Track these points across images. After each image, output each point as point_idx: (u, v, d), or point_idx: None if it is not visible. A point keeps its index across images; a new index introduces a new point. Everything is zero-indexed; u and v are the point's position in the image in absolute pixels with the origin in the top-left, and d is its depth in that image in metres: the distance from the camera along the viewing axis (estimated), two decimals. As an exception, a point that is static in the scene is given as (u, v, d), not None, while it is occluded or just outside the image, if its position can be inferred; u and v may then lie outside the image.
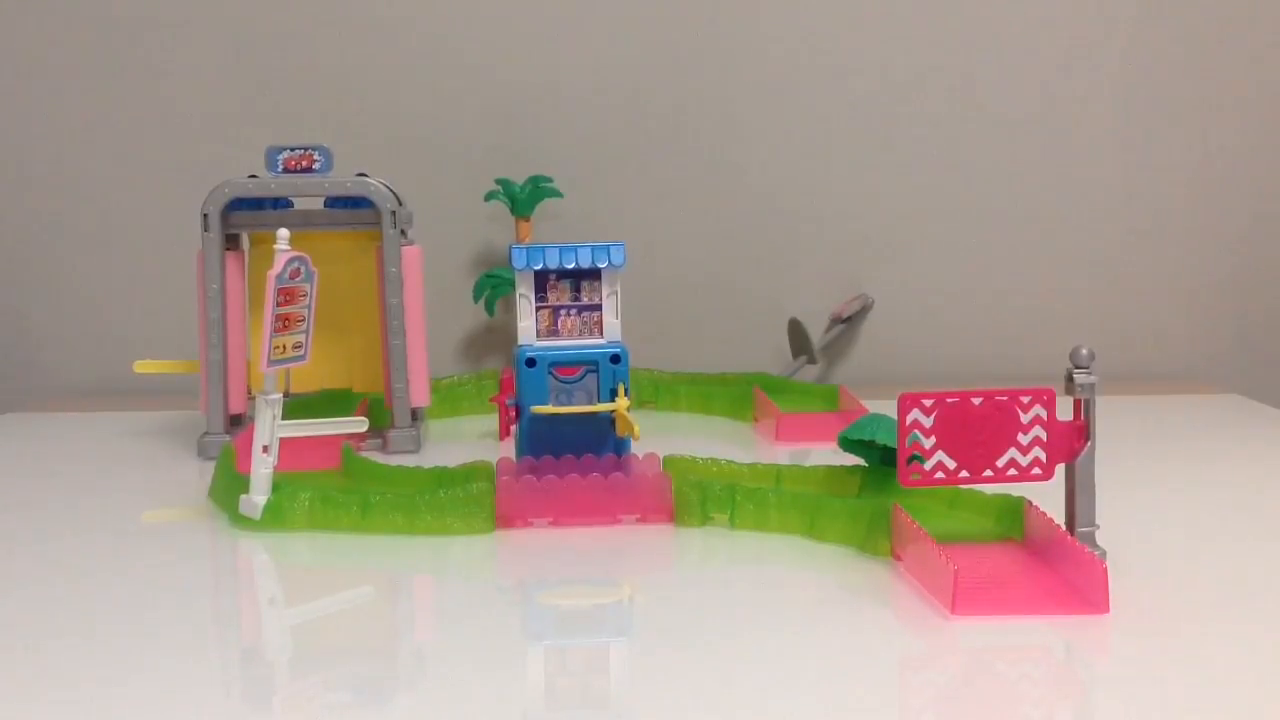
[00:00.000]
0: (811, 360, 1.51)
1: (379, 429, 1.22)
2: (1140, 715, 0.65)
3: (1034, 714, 0.69)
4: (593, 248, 1.01)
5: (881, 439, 0.96)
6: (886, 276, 1.61)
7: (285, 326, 0.98)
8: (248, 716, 0.69)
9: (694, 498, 0.95)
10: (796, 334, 1.52)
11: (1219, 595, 0.82)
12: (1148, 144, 1.62)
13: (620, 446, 1.01)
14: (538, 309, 1.01)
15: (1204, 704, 0.66)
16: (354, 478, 1.07)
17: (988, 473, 0.85)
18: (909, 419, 0.83)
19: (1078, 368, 0.85)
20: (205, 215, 1.21)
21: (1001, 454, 0.84)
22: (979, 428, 0.84)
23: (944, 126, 1.60)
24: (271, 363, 0.96)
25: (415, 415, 1.25)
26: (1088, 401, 0.85)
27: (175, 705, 0.67)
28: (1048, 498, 0.87)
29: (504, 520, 0.96)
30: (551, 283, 1.02)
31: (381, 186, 1.22)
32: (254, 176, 1.23)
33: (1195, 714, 0.65)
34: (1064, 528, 0.84)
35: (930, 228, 1.62)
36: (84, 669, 0.72)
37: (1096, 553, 0.82)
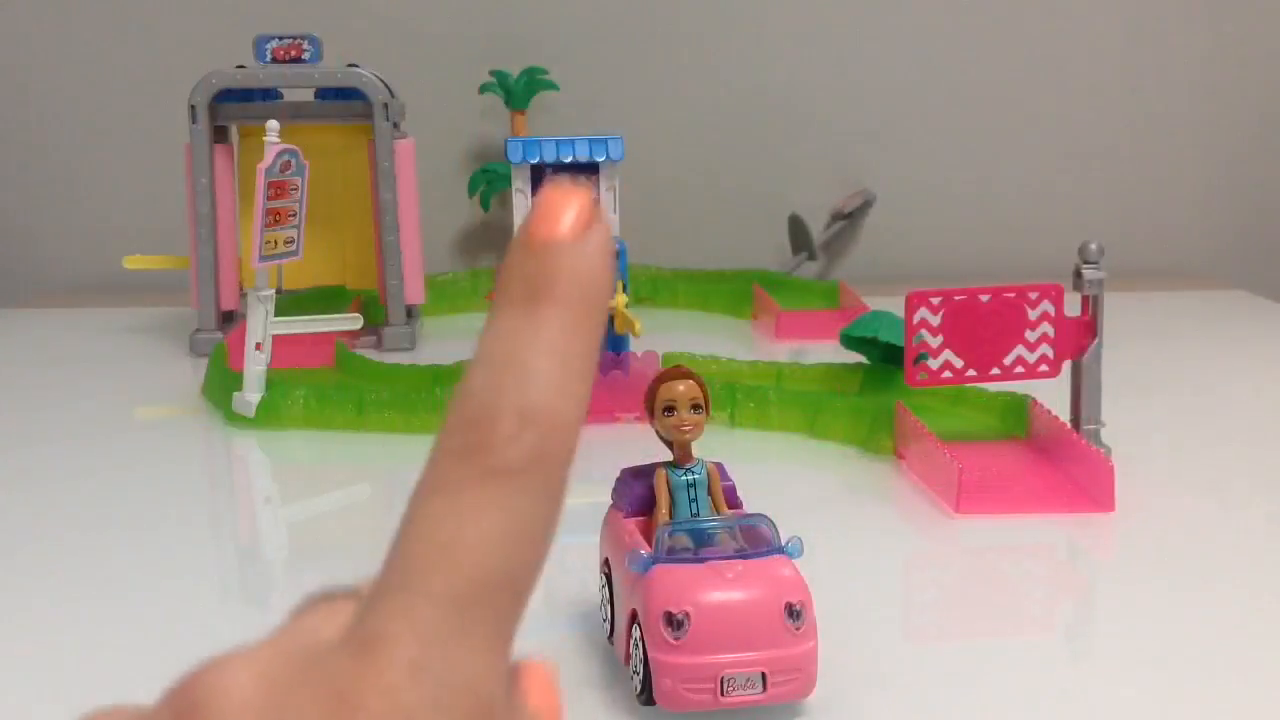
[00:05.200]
0: (812, 256, 1.50)
1: (373, 326, 1.20)
2: (1142, 613, 0.65)
3: (1037, 612, 0.69)
4: (590, 141, 0.99)
5: (884, 336, 0.94)
6: (889, 171, 1.58)
7: (276, 221, 0.96)
8: (246, 615, 0.68)
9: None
10: (797, 230, 1.50)
11: (1224, 493, 0.82)
12: (1156, 37, 1.58)
13: (619, 344, 1.00)
14: (534, 203, 0.99)
15: (1207, 602, 0.66)
16: (349, 375, 1.05)
17: (995, 370, 0.83)
18: (916, 317, 0.82)
19: (1087, 263, 0.83)
20: (192, 107, 1.18)
21: (1009, 351, 0.83)
22: (987, 325, 0.82)
23: (948, 18, 1.57)
24: (263, 258, 0.95)
25: (410, 312, 1.23)
26: (1096, 298, 0.83)
27: (174, 604, 0.67)
28: (1049, 395, 0.86)
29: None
30: (548, 177, 0.99)
31: (373, 78, 1.20)
32: (242, 67, 1.20)
33: (1198, 612, 0.65)
34: (1069, 425, 0.83)
35: (934, 121, 1.59)
36: (79, 569, 0.72)
37: (1102, 450, 0.81)
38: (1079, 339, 0.83)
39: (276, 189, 0.95)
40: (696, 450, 0.57)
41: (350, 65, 1.20)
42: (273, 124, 0.95)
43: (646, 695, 0.53)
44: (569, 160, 0.98)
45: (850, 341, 0.98)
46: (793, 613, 0.52)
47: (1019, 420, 0.88)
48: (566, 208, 0.23)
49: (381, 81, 1.20)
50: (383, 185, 1.20)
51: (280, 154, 0.95)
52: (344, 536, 0.79)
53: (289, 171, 0.96)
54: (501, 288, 0.23)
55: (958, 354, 0.83)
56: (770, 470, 0.87)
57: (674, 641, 0.51)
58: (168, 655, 0.60)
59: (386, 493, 0.90)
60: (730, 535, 0.54)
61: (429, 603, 0.21)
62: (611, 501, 0.59)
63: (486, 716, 0.21)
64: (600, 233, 0.23)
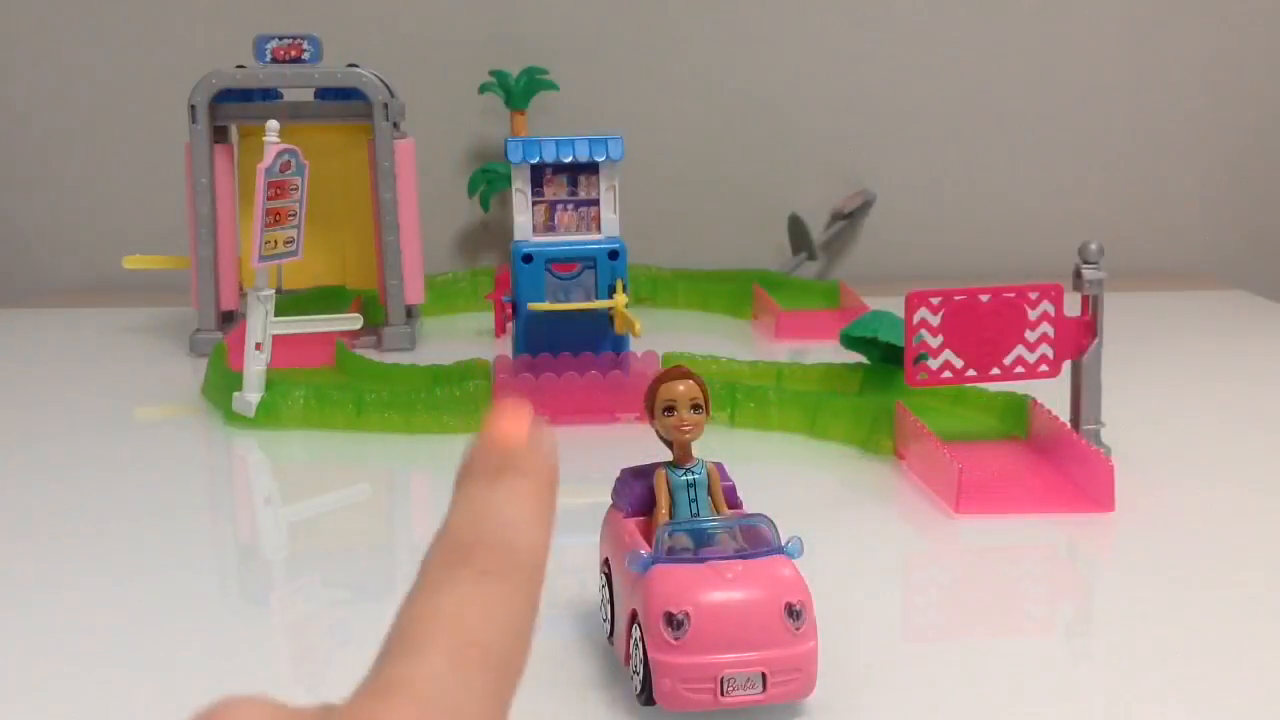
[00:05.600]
0: (812, 257, 1.50)
1: (373, 326, 1.20)
2: (1142, 613, 0.65)
3: (1037, 612, 0.69)
4: (590, 141, 0.99)
5: (884, 336, 0.94)
6: (889, 171, 1.58)
7: (276, 221, 0.96)
8: (246, 614, 0.68)
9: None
10: (797, 230, 1.50)
11: (1224, 493, 0.82)
12: (1156, 37, 1.58)
13: (619, 344, 1.00)
14: (534, 204, 0.99)
15: (1207, 601, 0.66)
16: (349, 375, 1.05)
17: (995, 370, 0.83)
18: (916, 317, 0.82)
19: (1087, 263, 0.83)
20: (192, 107, 1.18)
21: (1009, 351, 0.83)
22: (986, 325, 0.82)
23: (949, 19, 1.57)
24: (263, 258, 0.95)
25: (410, 312, 1.23)
26: (1096, 298, 0.83)
27: (174, 604, 0.67)
28: (1049, 395, 0.86)
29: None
30: (548, 177, 0.99)
31: (373, 78, 1.20)
32: (242, 67, 1.20)
33: (1198, 611, 0.65)
34: (1069, 425, 0.83)
35: (935, 121, 1.59)
36: (79, 569, 0.71)
37: (1102, 450, 0.81)
38: (1079, 339, 0.83)
39: (276, 189, 0.95)
40: (696, 450, 0.57)
41: (350, 65, 1.20)
42: (273, 124, 0.95)
43: (646, 695, 0.53)
44: (569, 160, 0.98)
45: (850, 341, 0.98)
46: (793, 613, 0.52)
47: (1019, 420, 0.88)
48: (518, 419, 0.28)
49: (381, 81, 1.20)
50: (383, 185, 1.20)
51: (280, 154, 0.95)
52: (344, 536, 0.79)
53: (289, 171, 0.96)
54: (464, 471, 0.28)
55: (958, 354, 0.83)
56: (770, 470, 0.87)
57: (674, 641, 0.51)
58: (168, 655, 0.60)
59: (387, 493, 0.90)
60: (730, 535, 0.54)
61: (436, 657, 0.24)
62: (611, 501, 0.59)
63: None
64: (548, 434, 0.28)
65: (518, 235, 0.99)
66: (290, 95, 1.26)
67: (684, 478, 0.57)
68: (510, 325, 1.00)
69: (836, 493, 0.85)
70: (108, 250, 1.38)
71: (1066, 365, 0.84)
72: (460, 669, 0.24)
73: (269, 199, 0.95)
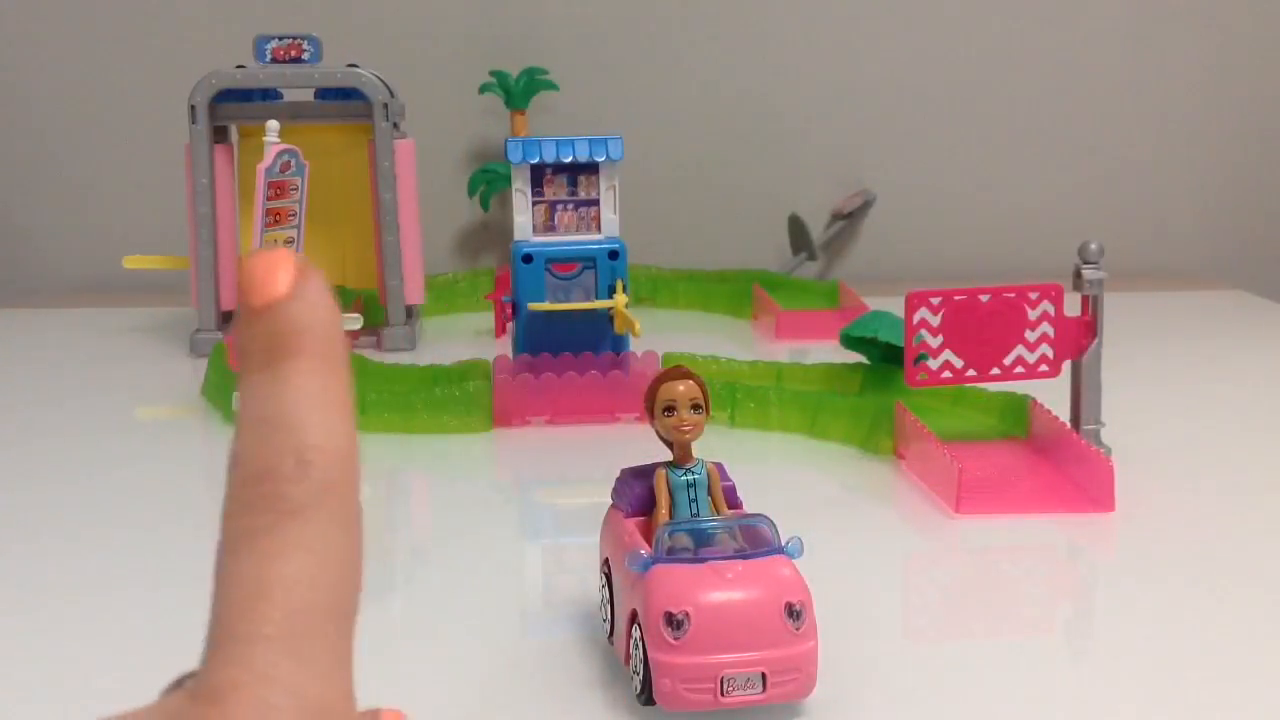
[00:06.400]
0: (812, 257, 1.50)
1: (373, 326, 1.20)
2: (1142, 613, 0.65)
3: (1037, 612, 0.69)
4: (590, 141, 0.99)
5: (884, 336, 0.94)
6: (889, 171, 1.58)
7: (276, 221, 0.95)
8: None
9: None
10: (797, 230, 1.49)
11: (1224, 493, 0.82)
12: (1157, 37, 1.58)
13: (618, 344, 1.00)
14: (534, 204, 0.99)
15: (1207, 602, 0.66)
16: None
17: (995, 371, 0.83)
18: (916, 318, 0.82)
19: (1086, 263, 0.83)
20: (192, 107, 1.18)
21: (1009, 351, 0.83)
22: (986, 325, 0.82)
23: (948, 19, 1.56)
24: (263, 258, 0.95)
25: (410, 312, 1.23)
26: (1096, 298, 0.83)
27: (173, 604, 0.67)
28: (1049, 395, 0.86)
29: (501, 418, 0.95)
30: (548, 177, 0.99)
31: (373, 78, 1.20)
32: (241, 67, 1.20)
33: (1198, 612, 0.65)
34: (1069, 425, 0.83)
35: (934, 121, 1.59)
36: (78, 569, 0.71)
37: (1102, 450, 0.81)
38: (1079, 339, 0.83)
39: (276, 189, 0.95)
40: (696, 450, 0.57)
41: (350, 65, 1.20)
42: (273, 124, 0.95)
43: (646, 695, 0.53)
44: (569, 160, 0.98)
45: (850, 341, 0.98)
46: (793, 613, 0.52)
47: (1019, 420, 0.88)
48: (274, 269, 0.24)
49: (381, 81, 1.20)
50: (383, 185, 1.20)
51: (280, 154, 0.94)
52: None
53: (289, 171, 0.96)
54: (241, 358, 0.24)
55: (958, 354, 0.83)
56: (770, 470, 0.87)
57: (674, 641, 0.51)
58: (167, 655, 0.60)
59: (386, 493, 0.90)
60: (730, 535, 0.54)
61: (262, 645, 0.22)
62: (611, 501, 0.59)
63: None
64: (315, 282, 0.24)
65: (518, 235, 0.99)
66: (290, 95, 1.26)
67: (684, 478, 0.57)
68: (510, 325, 1.00)
69: (836, 493, 0.85)
70: (108, 250, 1.38)
71: (1066, 365, 0.84)
72: (293, 649, 0.22)
73: (269, 199, 0.94)
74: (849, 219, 1.55)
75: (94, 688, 0.57)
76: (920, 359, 0.83)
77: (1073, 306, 0.83)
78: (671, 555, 0.53)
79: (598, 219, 1.00)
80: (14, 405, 1.06)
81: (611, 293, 0.97)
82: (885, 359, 0.96)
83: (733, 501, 0.59)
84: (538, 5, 1.54)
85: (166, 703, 0.23)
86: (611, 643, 0.58)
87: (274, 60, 1.20)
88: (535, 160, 0.98)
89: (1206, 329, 1.30)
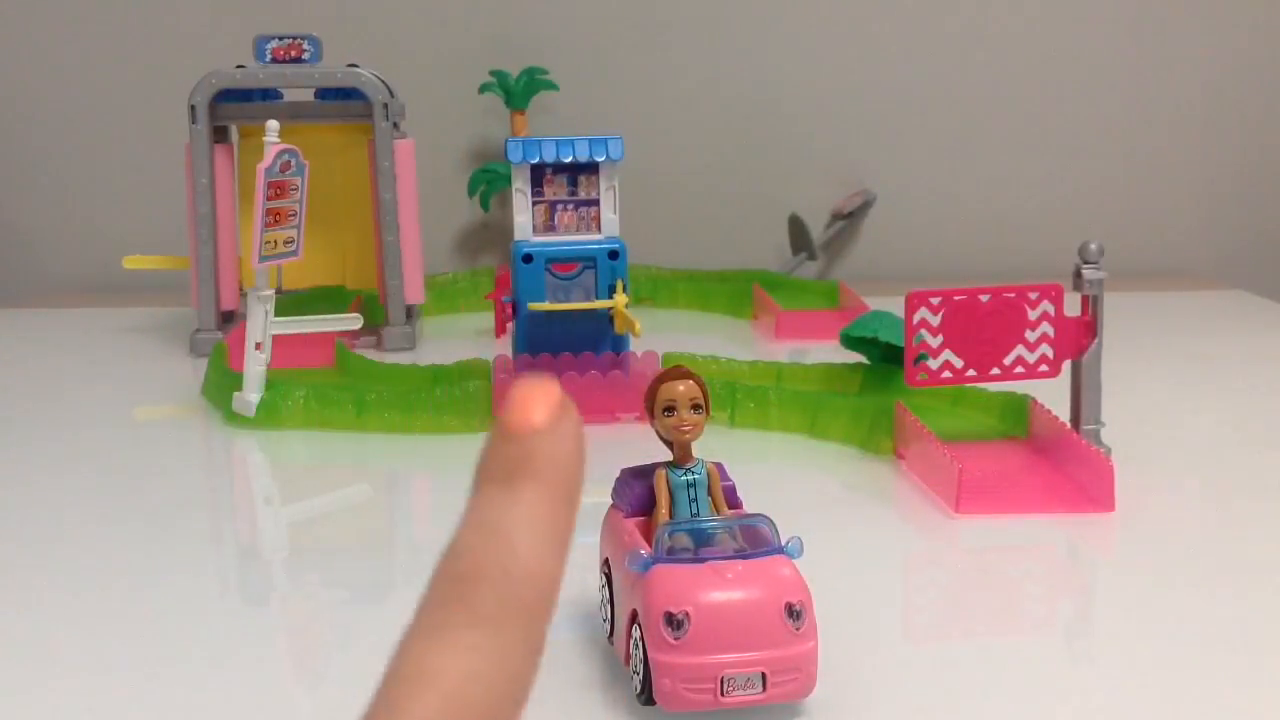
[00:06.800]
0: (812, 257, 1.49)
1: (373, 326, 1.20)
2: (1143, 613, 0.65)
3: (1037, 612, 0.69)
4: (590, 141, 0.99)
5: (884, 336, 0.94)
6: (889, 171, 1.58)
7: (276, 221, 0.95)
8: (246, 615, 0.68)
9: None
10: (797, 230, 1.49)
11: (1224, 493, 0.81)
12: (1157, 37, 1.58)
13: (619, 344, 1.00)
14: (534, 204, 0.99)
15: (1207, 602, 0.66)
16: (349, 375, 1.05)
17: (995, 371, 0.83)
18: (916, 318, 0.82)
19: (1087, 263, 0.83)
20: (192, 107, 1.18)
21: (1009, 351, 0.83)
22: (986, 325, 0.82)
23: (948, 19, 1.56)
24: (263, 258, 0.95)
25: (410, 312, 1.23)
26: (1096, 298, 0.83)
27: (173, 604, 0.67)
28: (1049, 395, 0.86)
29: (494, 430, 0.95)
30: (548, 177, 0.99)
31: (373, 78, 1.20)
32: (242, 67, 1.20)
33: (1198, 612, 0.65)
34: (1069, 425, 0.83)
35: (934, 121, 1.59)
36: (78, 569, 0.71)
37: (1102, 450, 0.81)
38: (1079, 339, 0.83)
39: (276, 189, 0.95)
40: (696, 450, 0.57)
41: (350, 65, 1.20)
42: (272, 124, 0.95)
43: (646, 695, 0.53)
44: (569, 160, 0.98)
45: (850, 341, 0.98)
46: (793, 613, 0.52)
47: (1019, 420, 0.88)
48: (539, 400, 0.25)
49: (381, 81, 1.20)
50: (383, 185, 1.20)
51: (280, 154, 0.94)
52: (344, 536, 0.79)
53: (289, 171, 0.96)
54: (482, 469, 0.25)
55: (958, 354, 0.83)
56: (770, 470, 0.87)
57: (674, 641, 0.51)
58: (167, 655, 0.60)
59: (386, 493, 0.90)
60: (730, 535, 0.54)
61: None
62: (611, 501, 0.59)
63: None
64: (572, 419, 0.25)
65: (518, 235, 0.99)
66: (290, 95, 1.26)
67: (684, 478, 0.57)
68: (510, 325, 1.00)
69: (836, 493, 0.85)
70: (108, 250, 1.38)
71: (1066, 365, 0.84)
72: None
73: (269, 199, 0.94)
74: (849, 219, 1.55)
75: (94, 687, 0.57)
76: (920, 359, 0.83)
77: (1073, 306, 0.83)
78: (671, 555, 0.53)
79: (598, 219, 1.00)
80: (14, 405, 1.06)
81: (611, 293, 0.97)
82: (885, 359, 0.96)
83: (733, 501, 0.59)
84: (538, 5, 1.54)
85: None
86: (611, 643, 0.58)
87: (274, 60, 1.20)
88: (535, 160, 0.98)
89: (1206, 329, 1.30)
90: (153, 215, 1.53)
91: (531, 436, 0.25)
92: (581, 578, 0.66)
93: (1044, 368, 0.83)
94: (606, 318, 0.98)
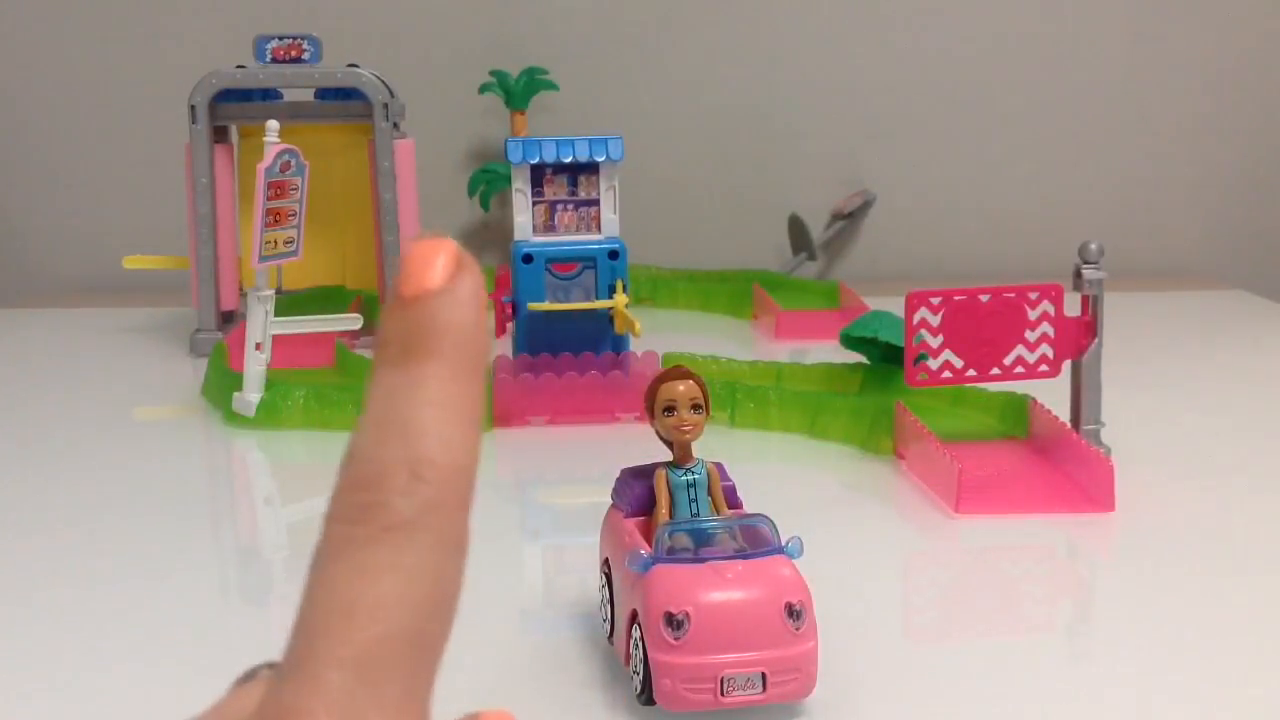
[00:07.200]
0: (812, 257, 1.49)
1: (373, 326, 1.20)
2: (1143, 613, 0.65)
3: (1037, 612, 0.69)
4: (590, 141, 0.99)
5: (884, 336, 0.94)
6: (889, 172, 1.58)
7: (276, 221, 0.95)
8: (245, 615, 0.68)
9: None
10: (797, 230, 1.49)
11: (1224, 493, 0.81)
12: (1157, 37, 1.58)
13: (619, 344, 1.00)
14: (534, 204, 0.99)
15: (1207, 601, 0.66)
16: (349, 375, 1.05)
17: (995, 371, 0.83)
18: (916, 318, 0.82)
19: (1087, 263, 0.83)
20: (192, 107, 1.18)
21: (1009, 351, 0.83)
22: (986, 325, 0.82)
23: (948, 19, 1.56)
24: (263, 258, 0.95)
25: (410, 312, 1.23)
26: (1096, 298, 0.83)
27: (173, 603, 0.67)
28: (1049, 395, 0.86)
29: (501, 418, 0.95)
30: (548, 177, 0.99)
31: (373, 78, 1.20)
32: (242, 67, 1.20)
33: (1198, 611, 0.65)
34: (1069, 425, 0.83)
35: (934, 121, 1.58)
36: (78, 569, 0.71)
37: (1102, 450, 0.81)
38: (1079, 339, 0.83)
39: (276, 189, 0.95)
40: (696, 450, 0.57)
41: (350, 65, 1.20)
42: (272, 124, 0.95)
43: (646, 695, 0.53)
44: (569, 160, 0.98)
45: (850, 341, 0.98)
46: (793, 613, 0.52)
47: (1019, 420, 0.88)
48: (432, 258, 0.23)
49: (381, 81, 1.20)
50: (383, 185, 1.20)
51: (280, 154, 0.94)
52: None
53: (289, 171, 0.96)
54: (378, 349, 0.23)
55: (958, 354, 0.83)
56: (770, 470, 0.87)
57: (674, 641, 0.51)
58: (167, 655, 0.60)
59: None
60: (730, 535, 0.54)
61: (336, 669, 0.21)
62: (611, 501, 0.59)
63: None
64: (470, 279, 0.23)
65: (518, 235, 0.99)
66: (290, 95, 1.26)
67: (684, 478, 0.57)
68: (510, 325, 1.00)
69: (836, 493, 0.85)
70: (108, 250, 1.38)
71: (1066, 365, 0.84)
72: (366, 677, 0.21)
73: (269, 199, 0.94)
74: (849, 219, 1.55)
75: (94, 687, 0.57)
76: (920, 359, 0.83)
77: (1073, 306, 0.83)
78: (671, 555, 0.53)
79: (598, 219, 1.00)
80: (13, 405, 1.06)
81: (611, 293, 0.97)
82: (885, 359, 0.96)
83: (733, 501, 0.59)
84: (538, 5, 1.54)
85: (240, 699, 0.23)
86: (611, 643, 0.58)
87: (274, 60, 1.20)
88: (535, 160, 0.98)
89: (1206, 329, 1.30)
90: (153, 215, 1.53)
91: (426, 303, 0.23)
92: (581, 578, 0.66)
93: (1044, 368, 0.83)
94: (606, 318, 0.98)
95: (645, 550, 0.54)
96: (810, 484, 0.86)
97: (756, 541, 0.54)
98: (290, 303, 1.17)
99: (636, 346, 1.01)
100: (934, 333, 0.82)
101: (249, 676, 0.25)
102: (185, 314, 1.26)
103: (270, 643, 0.69)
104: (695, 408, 0.56)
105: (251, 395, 0.95)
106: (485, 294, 0.24)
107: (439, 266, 0.23)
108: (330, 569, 0.22)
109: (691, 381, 0.56)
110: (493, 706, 0.26)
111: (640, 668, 0.53)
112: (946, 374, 0.83)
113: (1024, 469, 0.82)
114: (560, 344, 0.99)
